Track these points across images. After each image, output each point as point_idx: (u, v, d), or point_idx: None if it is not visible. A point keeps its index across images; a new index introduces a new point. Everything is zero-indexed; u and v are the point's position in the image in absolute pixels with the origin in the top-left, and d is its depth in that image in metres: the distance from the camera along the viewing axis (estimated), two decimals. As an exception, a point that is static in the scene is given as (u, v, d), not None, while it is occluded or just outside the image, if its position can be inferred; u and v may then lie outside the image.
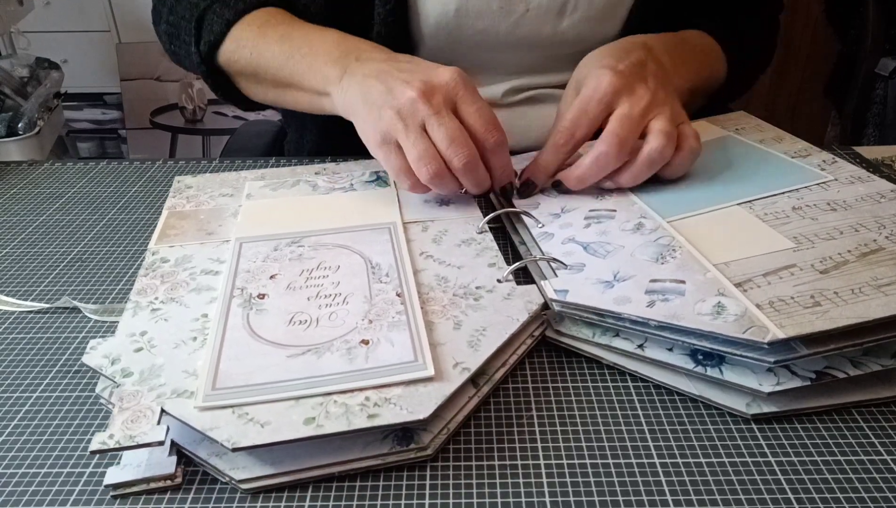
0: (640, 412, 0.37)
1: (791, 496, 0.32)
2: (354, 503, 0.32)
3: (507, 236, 0.52)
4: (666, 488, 0.33)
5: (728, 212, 0.47)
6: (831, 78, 1.59)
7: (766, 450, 0.35)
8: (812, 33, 1.85)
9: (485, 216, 0.50)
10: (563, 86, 0.65)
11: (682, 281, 0.40)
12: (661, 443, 0.35)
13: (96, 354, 0.37)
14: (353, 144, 0.56)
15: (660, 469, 0.34)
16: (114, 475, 0.33)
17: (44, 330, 0.45)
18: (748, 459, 0.34)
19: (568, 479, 0.33)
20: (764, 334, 0.35)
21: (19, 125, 1.57)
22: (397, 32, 0.61)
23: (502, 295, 0.41)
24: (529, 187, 0.53)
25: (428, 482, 0.33)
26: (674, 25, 0.64)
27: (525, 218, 0.50)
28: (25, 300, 0.47)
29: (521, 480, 0.33)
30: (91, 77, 2.08)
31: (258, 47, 0.57)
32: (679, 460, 0.34)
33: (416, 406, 0.33)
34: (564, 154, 0.51)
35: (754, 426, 0.36)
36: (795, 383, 0.35)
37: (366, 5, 0.62)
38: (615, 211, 0.49)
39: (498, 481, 0.33)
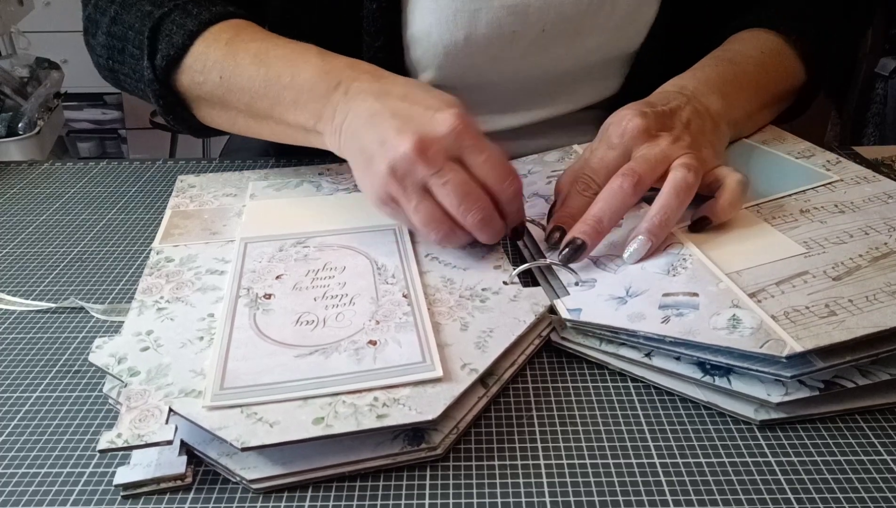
0: (640, 412, 0.37)
1: (791, 496, 0.32)
2: (367, 503, 0.32)
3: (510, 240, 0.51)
4: (666, 488, 0.33)
5: (738, 219, 0.46)
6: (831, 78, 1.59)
7: (767, 451, 0.35)
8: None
9: None
10: (575, 112, 0.63)
11: (696, 294, 0.39)
12: (662, 443, 0.35)
13: (102, 353, 0.37)
14: None
15: (660, 470, 0.34)
16: (124, 475, 0.33)
17: (44, 330, 0.45)
18: (748, 460, 0.34)
19: (569, 479, 0.33)
20: (781, 348, 0.34)
21: (19, 125, 1.57)
22: (390, 67, 0.50)
23: (509, 297, 0.41)
24: (554, 233, 0.46)
25: (439, 481, 0.33)
26: (703, 30, 0.60)
27: (530, 225, 0.49)
28: (26, 299, 0.47)
29: (530, 480, 0.33)
30: (91, 77, 2.05)
31: (227, 69, 0.49)
32: (679, 460, 0.34)
33: (425, 406, 0.33)
34: (588, 198, 0.46)
35: (755, 427, 0.36)
36: (804, 393, 0.35)
37: (355, 37, 0.57)
38: (623, 220, 0.47)
39: (509, 480, 0.33)
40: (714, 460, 0.34)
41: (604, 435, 0.36)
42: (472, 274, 0.44)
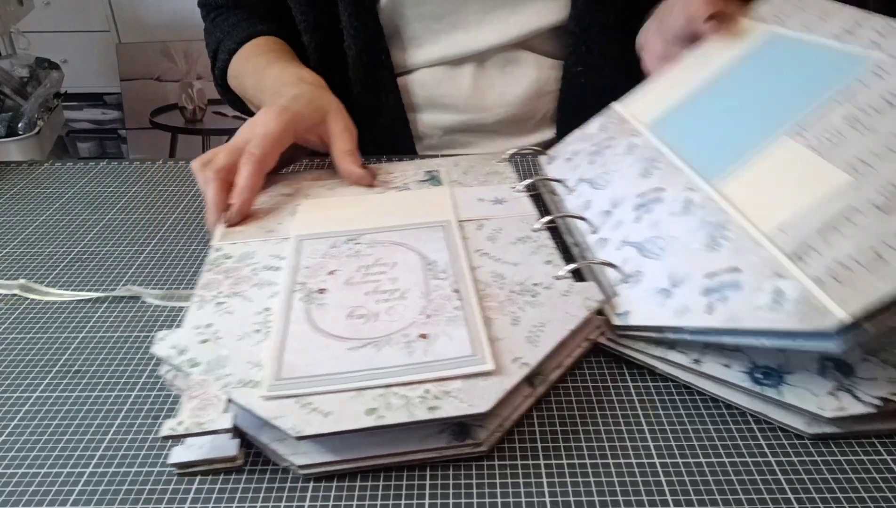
0: (639, 411, 0.37)
1: (791, 496, 0.32)
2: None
3: (559, 236, 0.51)
4: (666, 488, 0.33)
5: (777, 150, 0.41)
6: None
7: (766, 450, 0.35)
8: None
9: (540, 216, 0.50)
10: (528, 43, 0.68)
11: (738, 269, 0.37)
12: (661, 443, 0.35)
13: (164, 345, 0.38)
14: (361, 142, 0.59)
15: (660, 469, 0.34)
16: (179, 454, 0.34)
17: (43, 330, 0.45)
18: (748, 459, 0.34)
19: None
20: (823, 318, 0.31)
21: (19, 125, 1.57)
22: None
23: (560, 292, 0.41)
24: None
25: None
26: None
27: (579, 222, 0.49)
28: (65, 290, 0.47)
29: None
30: (91, 77, 2.08)
31: (244, 77, 0.70)
32: (679, 460, 0.34)
33: (477, 399, 0.33)
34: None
35: (754, 426, 0.36)
36: (858, 409, 0.33)
37: None
38: (662, 189, 0.46)
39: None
40: (714, 459, 0.34)
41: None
42: (523, 270, 0.44)
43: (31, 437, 0.37)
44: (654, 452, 0.35)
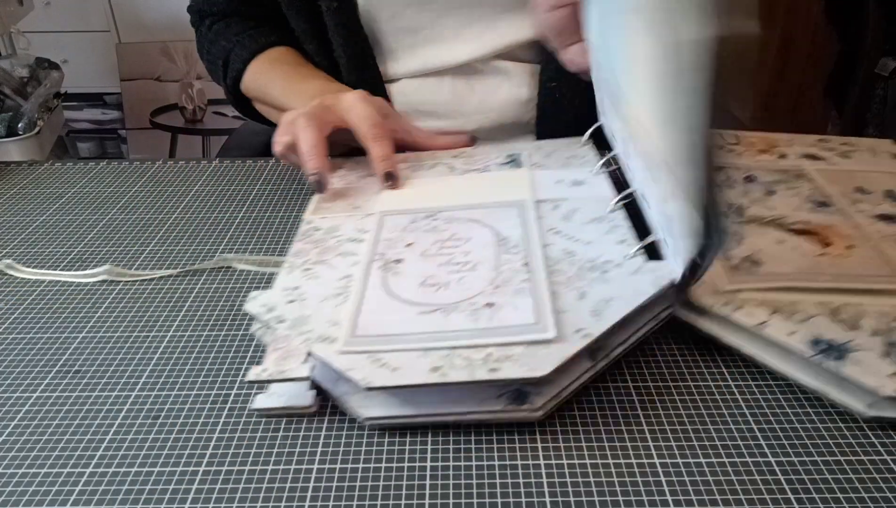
0: (643, 412, 0.37)
1: (791, 496, 0.32)
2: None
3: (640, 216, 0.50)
4: (666, 488, 0.33)
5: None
6: (831, 78, 1.59)
7: (766, 450, 0.35)
8: (812, 33, 1.85)
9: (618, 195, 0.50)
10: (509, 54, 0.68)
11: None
12: (661, 443, 0.35)
13: (256, 303, 0.42)
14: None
15: (660, 469, 0.34)
16: (261, 401, 0.38)
17: (43, 330, 0.45)
18: (748, 459, 0.34)
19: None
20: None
21: (19, 125, 1.57)
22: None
23: (630, 270, 0.42)
24: None
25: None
26: None
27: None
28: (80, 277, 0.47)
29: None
30: (91, 77, 2.08)
31: (262, 87, 0.71)
32: (679, 460, 0.34)
33: (536, 364, 0.35)
34: None
35: (754, 425, 0.36)
36: None
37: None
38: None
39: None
40: (714, 459, 0.34)
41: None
42: (595, 247, 0.44)
43: (31, 437, 0.37)
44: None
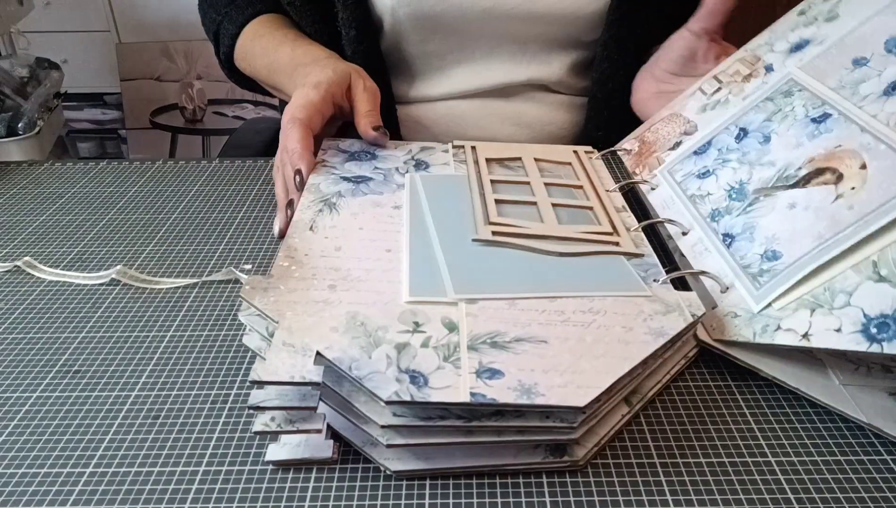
0: (643, 412, 0.37)
1: (791, 496, 0.32)
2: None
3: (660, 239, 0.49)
4: (666, 488, 0.33)
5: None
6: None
7: (766, 450, 0.35)
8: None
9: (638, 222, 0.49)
10: (540, 84, 0.69)
11: None
12: (661, 443, 0.35)
13: (255, 338, 0.39)
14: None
15: (660, 469, 0.34)
16: (274, 452, 0.35)
17: (43, 330, 0.45)
18: (748, 459, 0.34)
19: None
20: None
21: (19, 125, 1.57)
22: (360, 15, 0.66)
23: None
24: None
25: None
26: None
27: (669, 225, 0.48)
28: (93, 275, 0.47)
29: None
30: (91, 77, 2.08)
31: (253, 56, 0.70)
32: (679, 460, 0.34)
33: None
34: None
35: (753, 425, 0.36)
36: None
37: None
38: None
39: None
40: (714, 459, 0.34)
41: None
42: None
43: (31, 437, 0.37)
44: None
